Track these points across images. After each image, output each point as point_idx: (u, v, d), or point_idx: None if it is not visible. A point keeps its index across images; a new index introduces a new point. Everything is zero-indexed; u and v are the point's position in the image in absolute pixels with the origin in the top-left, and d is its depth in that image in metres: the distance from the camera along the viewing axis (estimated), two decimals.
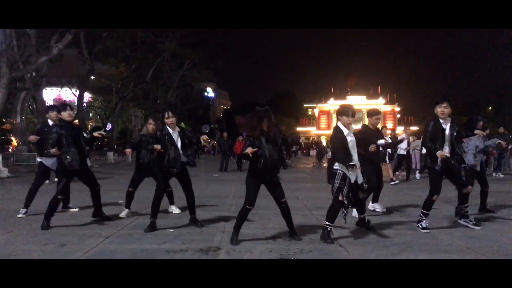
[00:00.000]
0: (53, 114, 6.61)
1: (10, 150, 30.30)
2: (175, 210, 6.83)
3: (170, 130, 5.65)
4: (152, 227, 5.41)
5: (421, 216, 5.47)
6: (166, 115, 5.68)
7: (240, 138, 20.67)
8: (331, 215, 4.94)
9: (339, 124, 5.04)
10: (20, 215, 6.42)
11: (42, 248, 4.55)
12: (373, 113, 6.75)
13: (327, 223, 4.94)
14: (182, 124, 58.26)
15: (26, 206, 6.57)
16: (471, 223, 5.61)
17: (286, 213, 4.97)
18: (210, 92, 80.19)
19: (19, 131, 29.17)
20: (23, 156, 25.48)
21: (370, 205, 6.89)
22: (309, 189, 10.77)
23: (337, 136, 4.98)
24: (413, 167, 16.52)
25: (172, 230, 5.51)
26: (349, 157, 4.84)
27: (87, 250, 4.44)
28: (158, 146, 5.54)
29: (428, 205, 5.45)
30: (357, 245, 4.72)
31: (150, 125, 6.54)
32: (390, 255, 4.28)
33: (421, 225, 5.43)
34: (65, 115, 5.74)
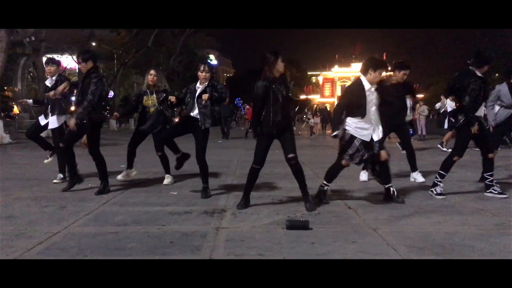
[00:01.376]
0: (53, 68, 6.24)
1: (13, 116, 30.18)
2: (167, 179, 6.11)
3: (198, 85, 5.22)
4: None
5: (436, 178, 5.08)
6: (202, 68, 5.18)
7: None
8: (329, 175, 4.74)
9: (362, 78, 4.52)
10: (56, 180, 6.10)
11: (42, 210, 4.41)
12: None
13: (324, 182, 4.75)
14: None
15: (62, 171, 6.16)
16: (497, 192, 5.05)
17: (297, 173, 4.48)
18: (213, 60, 79.16)
19: (20, 98, 28.96)
20: (25, 123, 25.40)
21: (411, 176, 6.26)
22: (315, 155, 10.62)
23: (355, 89, 4.51)
24: (419, 133, 16.36)
25: (175, 193, 5.37)
26: (363, 114, 4.43)
27: (88, 212, 4.29)
28: (173, 98, 5.37)
29: (447, 166, 5.05)
30: (367, 207, 4.56)
31: (150, 76, 6.06)
32: (402, 217, 4.12)
33: (435, 190, 5.04)
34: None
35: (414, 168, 6.22)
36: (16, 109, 34.75)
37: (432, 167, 7.40)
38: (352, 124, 4.50)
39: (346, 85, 4.62)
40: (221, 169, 7.43)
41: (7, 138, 15.35)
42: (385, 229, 3.68)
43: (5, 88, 31.45)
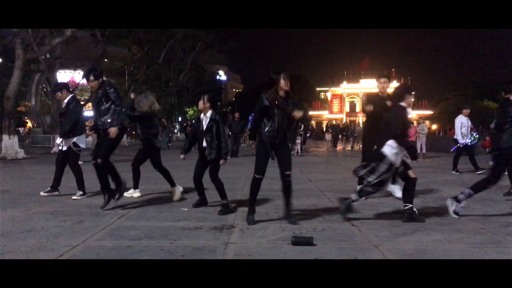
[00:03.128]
0: (62, 94, 6.57)
1: (26, 131, 30.76)
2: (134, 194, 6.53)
3: (202, 116, 5.60)
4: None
5: (462, 194, 5.11)
6: (201, 101, 5.59)
7: None
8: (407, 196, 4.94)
9: (403, 104, 4.88)
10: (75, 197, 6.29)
11: (61, 224, 4.65)
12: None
13: (408, 205, 4.89)
14: (194, 108, 58.36)
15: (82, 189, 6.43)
16: None
17: (286, 189, 4.72)
18: (222, 75, 79.97)
19: (34, 113, 29.58)
20: (38, 138, 25.91)
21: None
22: (322, 172, 10.78)
23: (405, 116, 4.80)
24: (418, 151, 16.32)
25: (186, 209, 5.59)
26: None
27: (104, 227, 4.53)
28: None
29: (480, 188, 5.20)
30: (371, 224, 4.74)
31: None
32: (403, 234, 4.30)
33: (456, 208, 5.06)
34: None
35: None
36: (29, 124, 35.41)
37: (433, 185, 7.57)
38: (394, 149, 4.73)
39: (392, 115, 4.89)
40: (229, 185, 7.57)
41: (21, 153, 15.73)
42: (387, 246, 3.86)
43: (19, 103, 32.16)
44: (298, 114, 4.63)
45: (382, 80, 6.41)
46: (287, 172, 4.68)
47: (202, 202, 5.79)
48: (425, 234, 4.30)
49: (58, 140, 6.62)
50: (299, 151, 17.34)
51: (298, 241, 3.84)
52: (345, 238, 4.14)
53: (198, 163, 5.63)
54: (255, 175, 4.70)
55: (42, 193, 6.47)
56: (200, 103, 5.58)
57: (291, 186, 4.79)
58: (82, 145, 6.45)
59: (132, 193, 6.48)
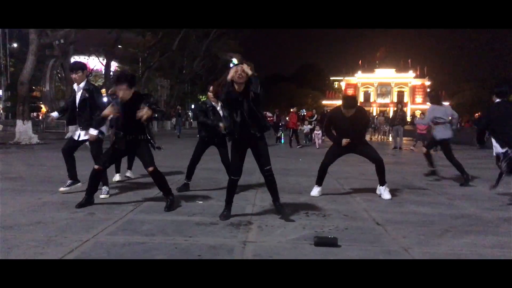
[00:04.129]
0: (78, 75, 5.53)
1: (40, 117, 30.90)
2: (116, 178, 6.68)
3: (213, 103, 5.79)
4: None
5: None
6: (210, 88, 5.83)
7: (294, 108, 19.84)
8: None
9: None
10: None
11: (71, 216, 4.47)
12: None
13: None
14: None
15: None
16: None
17: (270, 184, 4.53)
18: (235, 63, 79.45)
19: (48, 98, 29.66)
20: (52, 123, 25.97)
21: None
22: (338, 164, 10.46)
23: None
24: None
25: (201, 202, 5.37)
26: None
27: (116, 220, 4.33)
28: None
29: None
30: (397, 223, 4.46)
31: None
32: (432, 235, 4.02)
33: None
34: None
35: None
36: (44, 109, 35.59)
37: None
38: None
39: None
40: (244, 177, 7.40)
41: (35, 139, 15.70)
42: (417, 249, 3.59)
43: (34, 88, 32.28)
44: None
45: None
46: (267, 167, 4.48)
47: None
48: (458, 237, 4.01)
49: (79, 132, 5.57)
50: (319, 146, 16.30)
51: (322, 241, 3.59)
52: (371, 239, 3.87)
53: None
54: (231, 176, 4.58)
55: (61, 189, 5.69)
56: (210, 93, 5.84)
57: (274, 180, 4.57)
58: (105, 132, 6.01)
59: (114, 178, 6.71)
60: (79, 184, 5.74)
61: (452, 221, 4.59)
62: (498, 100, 5.84)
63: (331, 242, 3.58)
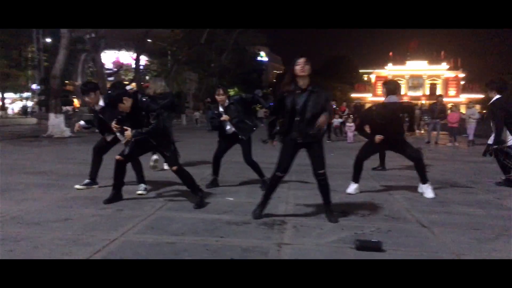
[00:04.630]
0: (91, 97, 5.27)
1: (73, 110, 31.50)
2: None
3: (221, 108, 5.70)
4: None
5: None
6: (217, 92, 5.72)
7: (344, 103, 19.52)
8: None
9: None
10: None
11: (99, 213, 4.33)
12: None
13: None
14: (235, 89, 58.11)
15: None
16: None
17: (323, 188, 4.20)
18: (263, 56, 79.11)
19: (80, 92, 30.15)
20: (85, 117, 26.35)
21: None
22: (374, 159, 10.08)
23: None
24: (470, 138, 14.72)
25: (231, 199, 5.16)
26: None
27: (144, 218, 4.16)
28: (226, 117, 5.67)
29: None
30: (444, 225, 4.11)
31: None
32: (485, 240, 3.67)
33: None
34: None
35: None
36: (76, 102, 36.30)
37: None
38: None
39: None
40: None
41: (67, 132, 15.89)
42: (470, 256, 3.25)
43: (67, 82, 32.89)
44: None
45: None
46: (321, 171, 4.13)
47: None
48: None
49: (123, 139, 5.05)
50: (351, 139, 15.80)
51: (364, 245, 3.30)
52: (417, 243, 3.55)
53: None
54: (276, 172, 4.21)
55: (77, 186, 5.54)
56: (219, 97, 5.69)
57: (328, 184, 4.23)
58: None
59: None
60: (95, 186, 5.62)
61: (506, 223, 4.20)
62: (498, 96, 6.09)
63: (375, 246, 3.29)
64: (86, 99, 5.34)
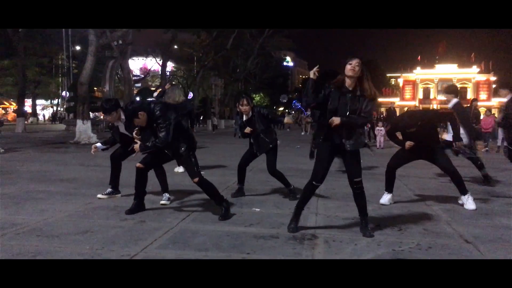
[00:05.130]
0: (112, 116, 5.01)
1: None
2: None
3: (245, 117, 5.46)
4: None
5: None
6: (241, 103, 5.43)
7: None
8: None
9: None
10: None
11: (121, 224, 4.15)
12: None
13: None
14: (261, 94, 57.99)
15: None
16: None
17: (359, 198, 3.94)
18: (289, 61, 78.84)
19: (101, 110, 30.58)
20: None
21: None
22: (407, 166, 9.65)
23: None
24: (499, 143, 13.95)
25: (258, 209, 4.90)
26: None
27: (167, 230, 3.95)
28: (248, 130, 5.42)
29: None
30: (490, 241, 3.75)
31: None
32: None
33: None
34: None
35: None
36: None
37: None
38: None
39: None
40: (301, 180, 6.90)
41: (94, 138, 16.00)
42: None
43: (95, 88, 33.45)
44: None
45: None
46: (357, 179, 3.87)
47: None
48: None
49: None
50: (381, 144, 15.29)
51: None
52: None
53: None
54: (312, 181, 3.90)
55: (100, 196, 5.41)
56: (242, 107, 5.44)
57: (364, 194, 3.96)
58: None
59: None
60: (118, 195, 5.48)
61: None
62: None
63: None
64: (108, 118, 5.09)
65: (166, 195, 5.21)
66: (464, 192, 5.11)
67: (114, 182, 5.49)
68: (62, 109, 47.84)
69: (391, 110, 18.72)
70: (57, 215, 4.46)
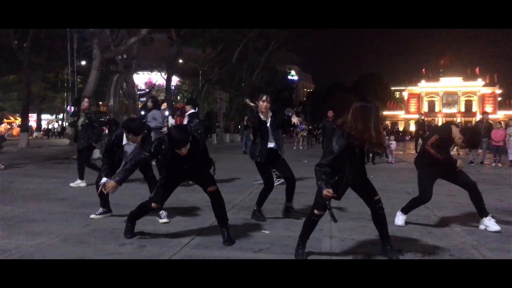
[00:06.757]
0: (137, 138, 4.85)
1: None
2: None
3: (262, 116, 4.99)
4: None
5: None
6: (263, 98, 4.99)
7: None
8: None
9: None
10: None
11: (119, 250, 3.82)
12: None
13: None
14: None
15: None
16: None
17: (379, 219, 3.62)
18: (293, 75, 78.94)
19: (113, 113, 30.45)
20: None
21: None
22: (414, 181, 9.28)
23: None
24: (510, 158, 13.49)
25: (267, 232, 4.56)
26: None
27: (169, 257, 3.62)
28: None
29: None
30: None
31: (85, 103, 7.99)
32: None
33: None
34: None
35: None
36: None
37: None
38: None
39: None
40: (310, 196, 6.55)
41: (97, 153, 15.68)
42: None
43: (101, 103, 33.37)
44: None
45: None
46: (377, 198, 3.59)
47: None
48: None
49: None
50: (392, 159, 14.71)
51: None
52: None
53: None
54: (314, 210, 3.60)
55: (93, 216, 5.14)
56: (264, 103, 4.98)
57: (384, 215, 3.63)
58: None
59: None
60: (108, 214, 5.19)
61: None
62: None
63: None
64: (134, 139, 4.81)
65: (164, 212, 4.89)
66: (484, 214, 4.74)
67: (104, 201, 5.18)
68: (66, 123, 47.88)
69: (419, 122, 17.97)
70: (51, 240, 4.13)
